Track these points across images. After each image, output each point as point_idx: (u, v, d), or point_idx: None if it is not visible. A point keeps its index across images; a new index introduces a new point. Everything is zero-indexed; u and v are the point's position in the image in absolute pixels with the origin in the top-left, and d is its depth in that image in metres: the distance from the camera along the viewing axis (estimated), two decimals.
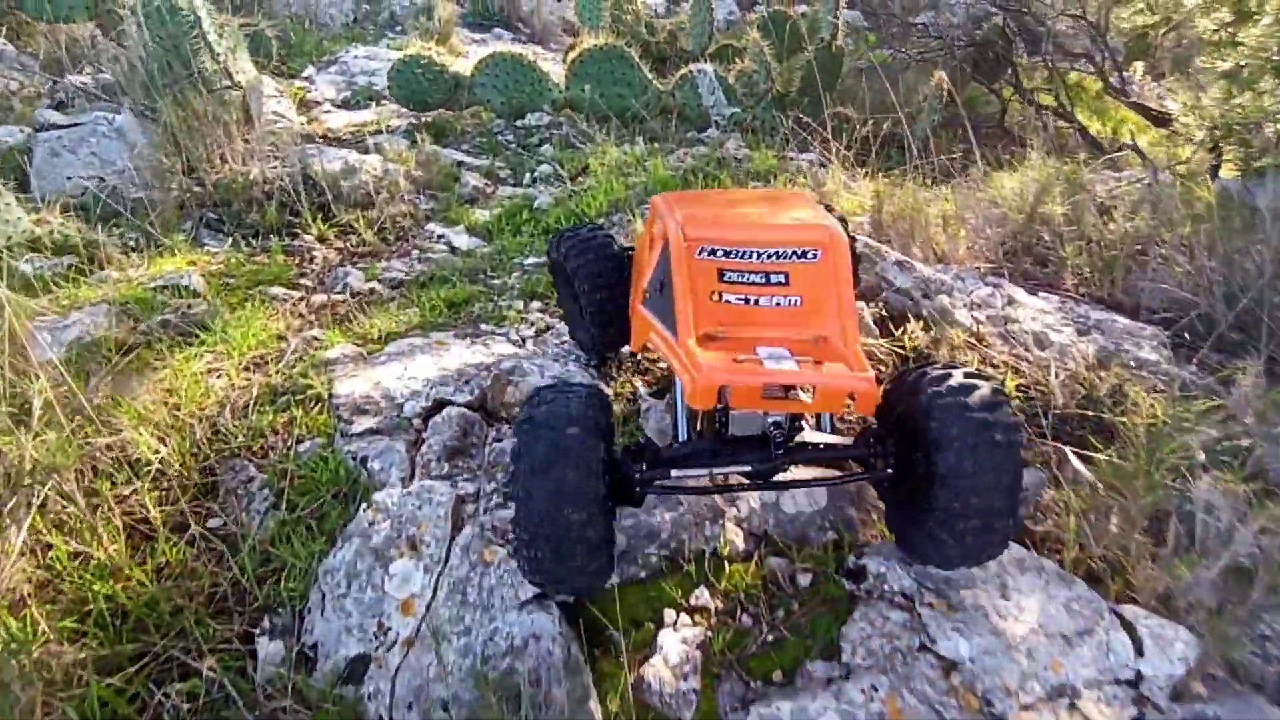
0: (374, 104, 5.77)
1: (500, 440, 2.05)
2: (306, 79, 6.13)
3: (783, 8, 6.37)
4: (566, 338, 2.54)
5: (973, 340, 2.48)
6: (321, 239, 3.36)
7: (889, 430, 1.60)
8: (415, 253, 3.33)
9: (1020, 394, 2.26)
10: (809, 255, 1.58)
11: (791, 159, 4.40)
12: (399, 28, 7.63)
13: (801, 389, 1.41)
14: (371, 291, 2.97)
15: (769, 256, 1.58)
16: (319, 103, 5.82)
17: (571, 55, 4.98)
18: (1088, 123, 5.84)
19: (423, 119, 5.18)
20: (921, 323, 2.55)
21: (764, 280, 1.58)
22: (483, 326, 2.68)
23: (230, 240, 3.22)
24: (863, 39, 7.90)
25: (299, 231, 3.35)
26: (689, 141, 4.80)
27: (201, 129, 3.48)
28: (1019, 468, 1.47)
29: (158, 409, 1.98)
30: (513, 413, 2.16)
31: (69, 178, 3.25)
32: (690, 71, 5.04)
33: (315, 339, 2.50)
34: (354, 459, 1.96)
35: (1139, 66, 5.64)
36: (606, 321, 2.14)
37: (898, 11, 6.67)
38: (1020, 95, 5.52)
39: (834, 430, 1.77)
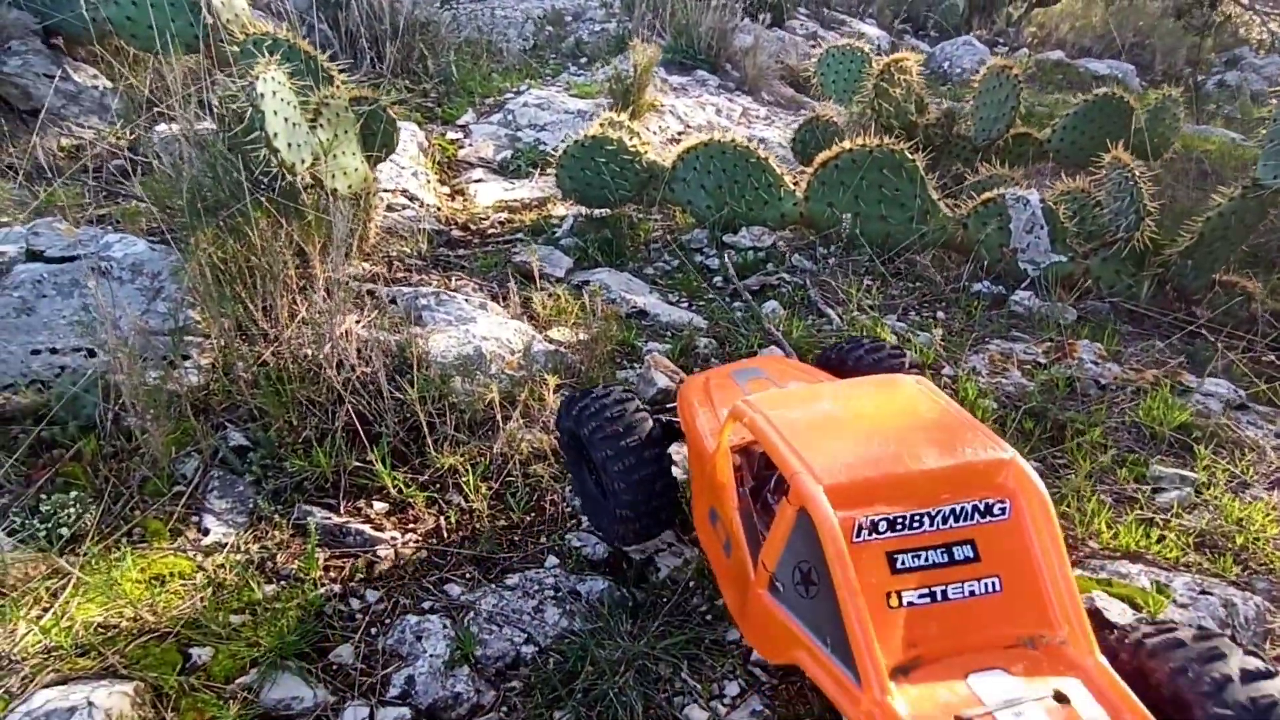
0: (537, 171, 4.44)
1: None
2: (463, 128, 4.89)
3: (1113, 87, 4.46)
4: None
5: None
6: (400, 508, 1.96)
7: None
8: (554, 565, 1.85)
9: None
10: (995, 511, 1.19)
11: (1193, 389, 2.58)
12: (584, 59, 6.31)
13: None
14: (453, 704, 1.51)
15: (946, 520, 1.17)
16: (470, 165, 4.54)
17: (823, 157, 3.37)
18: None
19: (594, 213, 3.76)
20: None
21: (947, 558, 1.17)
22: None
23: (250, 509, 1.87)
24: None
25: (365, 495, 1.96)
26: (993, 318, 3.07)
27: (259, 271, 2.18)
28: None
29: None
30: None
31: (36, 351, 2.02)
32: (1001, 197, 3.30)
33: None
34: None
35: None
36: (642, 513, 1.71)
37: None
38: None
39: None
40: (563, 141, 4.68)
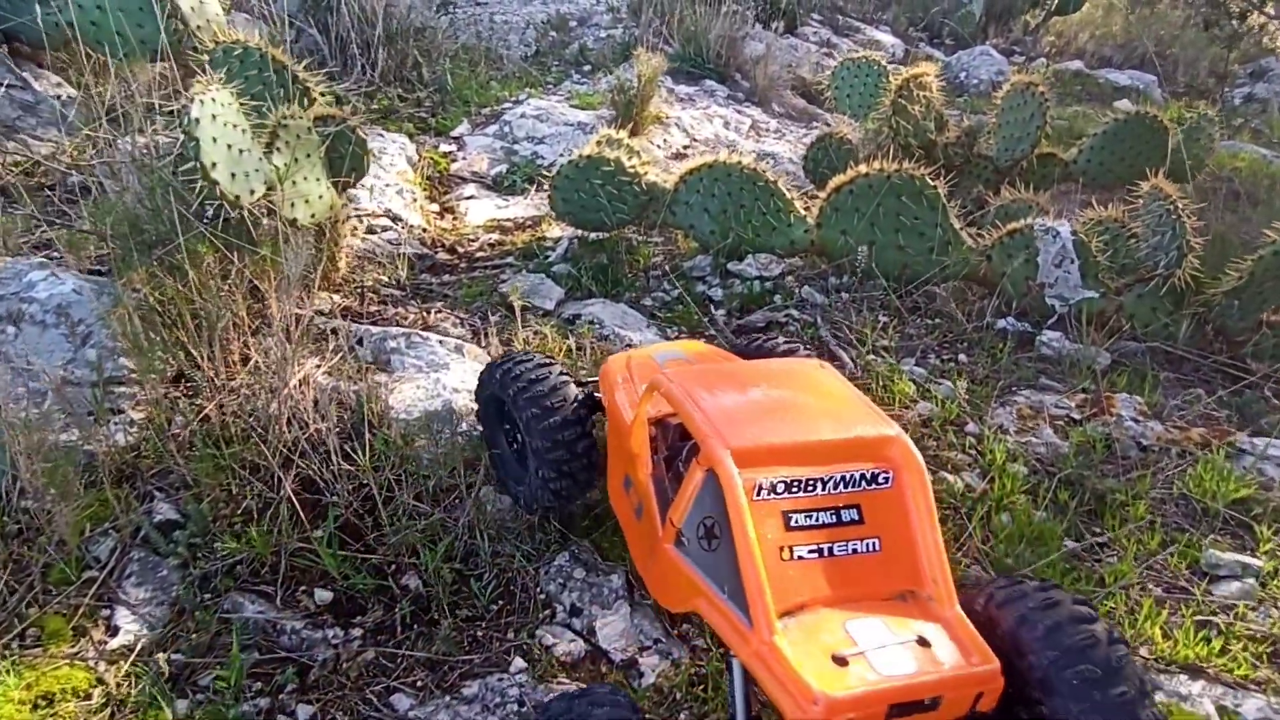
0: (533, 187, 4.20)
1: None
2: (456, 140, 4.65)
3: (1136, 100, 4.19)
4: None
5: None
6: (346, 599, 1.71)
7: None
8: (520, 671, 1.60)
9: None
10: (879, 480, 1.35)
11: (1250, 452, 2.31)
12: (588, 66, 6.06)
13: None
14: None
15: (836, 485, 1.33)
16: (463, 180, 4.30)
17: (837, 182, 3.11)
18: None
19: (590, 236, 3.51)
20: None
21: (835, 520, 1.32)
22: None
23: (172, 599, 1.62)
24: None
25: (308, 580, 1.72)
26: (1020, 361, 2.81)
27: (203, 314, 1.94)
28: None
29: None
30: None
31: None
32: (1029, 227, 3.04)
33: None
34: None
35: None
36: (563, 473, 1.76)
37: None
38: None
39: None
40: (561, 156, 4.44)
